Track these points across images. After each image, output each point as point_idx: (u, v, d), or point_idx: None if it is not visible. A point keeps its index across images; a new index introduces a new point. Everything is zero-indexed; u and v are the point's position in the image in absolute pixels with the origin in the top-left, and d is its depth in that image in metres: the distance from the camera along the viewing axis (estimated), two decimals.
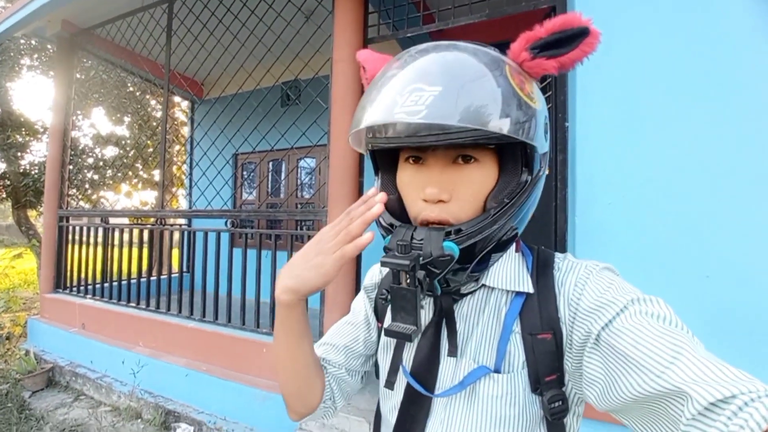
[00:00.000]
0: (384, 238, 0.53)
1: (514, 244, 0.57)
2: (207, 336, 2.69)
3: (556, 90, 1.94)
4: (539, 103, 0.48)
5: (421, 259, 0.47)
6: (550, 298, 0.52)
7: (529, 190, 0.50)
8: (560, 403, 0.49)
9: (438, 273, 0.47)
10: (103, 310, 3.25)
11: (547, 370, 0.50)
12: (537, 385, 0.50)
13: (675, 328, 0.41)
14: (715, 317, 1.46)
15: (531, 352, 0.50)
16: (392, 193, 0.56)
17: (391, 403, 0.60)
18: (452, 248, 0.47)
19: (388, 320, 0.64)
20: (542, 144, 0.49)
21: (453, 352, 0.54)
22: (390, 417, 0.60)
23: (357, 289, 2.38)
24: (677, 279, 1.51)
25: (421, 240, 0.48)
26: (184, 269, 3.57)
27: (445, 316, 0.55)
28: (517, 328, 0.52)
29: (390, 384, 0.59)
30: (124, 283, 3.29)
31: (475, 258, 0.49)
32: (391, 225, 0.52)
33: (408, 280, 0.47)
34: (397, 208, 0.56)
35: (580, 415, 0.54)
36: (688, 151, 1.51)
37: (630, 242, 1.56)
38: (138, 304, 3.16)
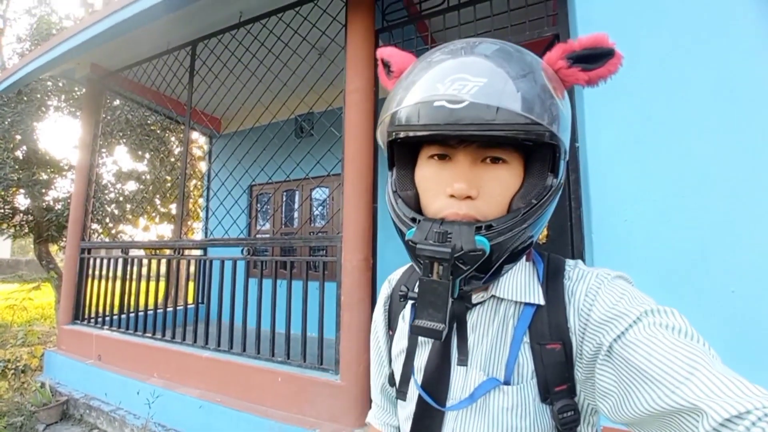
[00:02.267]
0: (401, 234, 0.51)
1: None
2: (221, 366, 2.67)
3: None
4: (569, 112, 0.49)
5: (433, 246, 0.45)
6: (559, 308, 0.51)
7: (554, 194, 0.50)
8: (571, 413, 0.48)
9: (465, 270, 0.46)
10: (120, 340, 3.26)
11: (557, 380, 0.49)
12: (546, 395, 0.49)
13: (690, 341, 0.40)
14: (742, 333, 1.42)
15: (540, 362, 0.50)
16: (409, 189, 0.55)
17: (405, 413, 0.59)
18: (484, 243, 0.45)
19: (399, 331, 0.64)
20: (568, 150, 0.50)
21: (463, 361, 0.53)
22: (405, 427, 0.59)
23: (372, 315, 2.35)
24: (701, 295, 1.47)
25: (450, 234, 0.45)
26: (200, 300, 3.60)
27: (456, 323, 0.54)
28: (526, 337, 0.51)
29: (402, 394, 0.58)
30: (141, 314, 3.32)
31: (492, 266, 0.48)
32: (414, 219, 0.50)
33: (441, 273, 0.44)
34: (413, 206, 0.54)
35: (593, 424, 0.52)
36: (705, 163, 1.52)
37: (650, 258, 1.54)
38: (154, 334, 3.16)
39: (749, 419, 0.31)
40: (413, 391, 0.57)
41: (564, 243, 1.92)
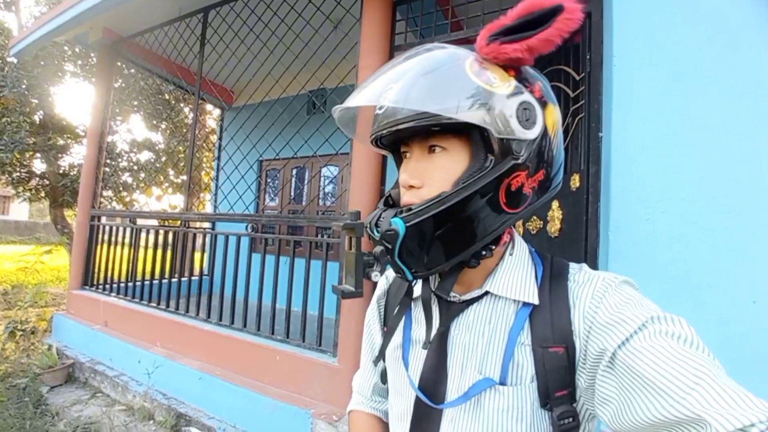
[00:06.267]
0: None
1: (524, 252, 0.58)
2: (222, 339, 2.68)
3: (589, 98, 1.84)
4: (506, 90, 0.48)
5: (373, 230, 0.52)
6: (563, 310, 0.50)
7: (487, 175, 0.48)
8: (571, 419, 0.48)
9: (390, 249, 0.49)
10: (126, 308, 3.30)
11: (558, 385, 0.48)
12: (546, 399, 0.48)
13: (696, 351, 0.39)
14: (762, 345, 1.34)
15: (541, 366, 0.49)
16: (397, 186, 0.60)
17: (397, 410, 0.60)
18: (397, 224, 0.48)
19: (396, 329, 0.65)
20: (505, 128, 0.48)
21: (425, 344, 0.55)
22: (396, 424, 0.60)
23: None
24: (721, 303, 1.38)
25: (382, 219, 0.53)
26: (205, 272, 3.62)
27: (423, 304, 0.56)
28: (527, 340, 0.51)
29: (379, 358, 0.64)
30: (147, 283, 3.35)
31: (418, 248, 0.49)
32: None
33: (354, 245, 0.51)
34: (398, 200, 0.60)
35: (591, 431, 0.52)
36: (735, 165, 1.40)
37: (669, 262, 1.44)
38: (159, 304, 3.19)
39: None
40: (408, 390, 0.58)
41: (578, 238, 1.82)
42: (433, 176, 0.51)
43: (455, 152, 0.51)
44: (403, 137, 0.55)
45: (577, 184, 1.89)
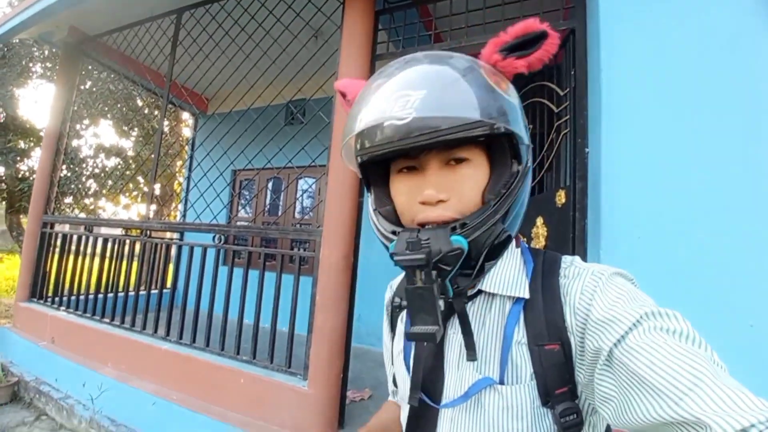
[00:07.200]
0: (387, 248, 0.52)
1: (515, 249, 0.57)
2: (181, 360, 2.45)
3: (575, 113, 1.80)
4: (516, 100, 0.51)
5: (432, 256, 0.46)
6: (555, 307, 0.50)
7: (522, 181, 0.51)
8: (574, 416, 0.47)
9: (449, 270, 0.47)
10: (75, 324, 3.02)
11: (557, 383, 0.48)
12: (547, 398, 0.48)
13: (693, 347, 0.39)
14: (761, 370, 1.27)
15: (539, 364, 0.48)
16: (387, 205, 0.57)
17: (405, 411, 0.60)
18: (460, 241, 0.46)
19: (398, 333, 0.66)
20: (525, 135, 0.51)
21: (472, 356, 0.52)
22: (405, 423, 0.60)
23: (350, 318, 2.18)
24: (718, 327, 1.31)
25: (428, 239, 0.46)
26: (168, 286, 3.37)
27: (459, 318, 0.54)
28: (523, 338, 0.50)
29: (414, 399, 0.56)
30: (101, 297, 3.08)
31: (475, 261, 0.49)
32: (394, 232, 0.52)
33: (423, 278, 0.45)
34: (393, 219, 0.56)
35: (595, 425, 0.51)
36: (732, 183, 1.35)
37: (663, 283, 1.37)
38: (112, 320, 2.93)
39: None
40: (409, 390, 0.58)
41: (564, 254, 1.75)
42: (462, 188, 0.50)
43: (478, 162, 0.51)
44: (399, 153, 0.52)
45: (563, 201, 1.83)
